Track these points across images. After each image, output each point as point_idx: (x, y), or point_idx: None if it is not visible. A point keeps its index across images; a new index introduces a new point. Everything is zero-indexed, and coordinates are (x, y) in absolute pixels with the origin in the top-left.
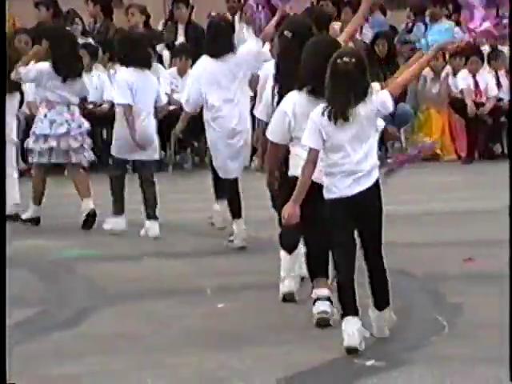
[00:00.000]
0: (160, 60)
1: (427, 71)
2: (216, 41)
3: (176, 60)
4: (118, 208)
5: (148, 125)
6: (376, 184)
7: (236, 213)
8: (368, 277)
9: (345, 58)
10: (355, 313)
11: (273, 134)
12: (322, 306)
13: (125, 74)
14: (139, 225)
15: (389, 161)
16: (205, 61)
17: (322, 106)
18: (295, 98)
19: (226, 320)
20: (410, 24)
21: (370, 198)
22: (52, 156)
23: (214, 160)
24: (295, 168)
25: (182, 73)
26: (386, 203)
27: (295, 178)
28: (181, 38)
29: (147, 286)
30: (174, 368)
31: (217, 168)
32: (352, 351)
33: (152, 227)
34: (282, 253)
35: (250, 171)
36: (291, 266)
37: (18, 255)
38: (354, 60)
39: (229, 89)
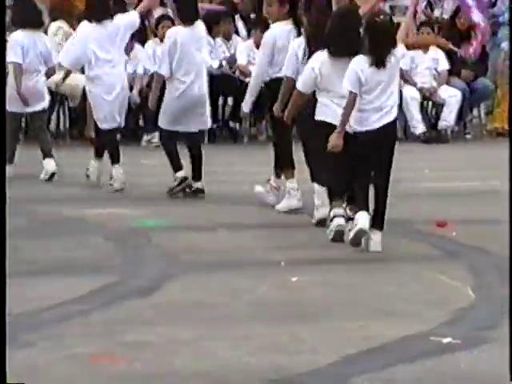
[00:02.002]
0: (236, 31)
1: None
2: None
3: (253, 32)
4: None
5: (37, 82)
6: (395, 120)
7: (115, 158)
8: (374, 196)
9: (381, 17)
10: (367, 209)
11: (301, 84)
12: (339, 221)
13: (17, 35)
14: (216, 195)
15: None
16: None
17: (361, 56)
18: (321, 58)
19: (299, 293)
20: None
21: (392, 129)
22: None
23: None
24: (322, 114)
25: (258, 45)
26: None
27: (322, 122)
28: None
29: (220, 257)
30: (244, 339)
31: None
32: (362, 232)
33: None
34: (316, 186)
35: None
36: (325, 197)
37: (95, 223)
38: (387, 18)
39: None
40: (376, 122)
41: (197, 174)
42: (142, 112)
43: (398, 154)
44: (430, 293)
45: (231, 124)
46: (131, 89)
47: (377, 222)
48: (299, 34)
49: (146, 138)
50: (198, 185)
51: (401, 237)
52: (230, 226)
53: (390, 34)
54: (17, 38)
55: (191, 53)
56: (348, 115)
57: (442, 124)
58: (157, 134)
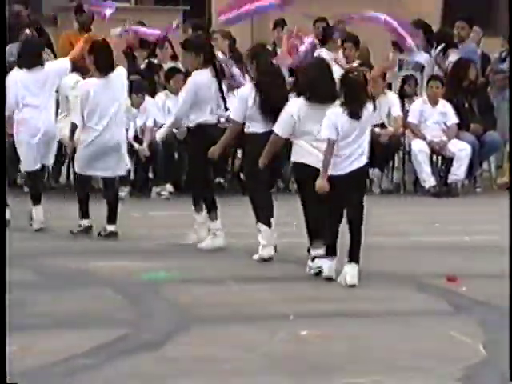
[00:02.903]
0: None
1: None
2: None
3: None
4: None
5: None
6: (366, 164)
7: (37, 199)
8: (350, 231)
9: (355, 73)
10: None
11: (280, 129)
12: (320, 263)
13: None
14: (225, 248)
15: None
16: None
17: (338, 107)
18: (298, 104)
19: (308, 347)
20: (504, 53)
21: (362, 172)
22: None
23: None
24: (298, 155)
25: None
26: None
27: (297, 163)
28: None
29: (230, 310)
30: None
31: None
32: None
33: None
34: (263, 227)
35: None
36: (271, 237)
37: (104, 276)
38: (360, 74)
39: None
40: (348, 166)
41: (112, 218)
42: (152, 164)
43: (407, 208)
44: (442, 348)
45: (242, 176)
46: (140, 142)
47: (353, 255)
48: (219, 82)
49: (155, 190)
50: (111, 228)
51: (411, 290)
52: (240, 279)
53: (363, 89)
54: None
55: (103, 103)
56: (329, 160)
57: (451, 178)
58: (167, 186)
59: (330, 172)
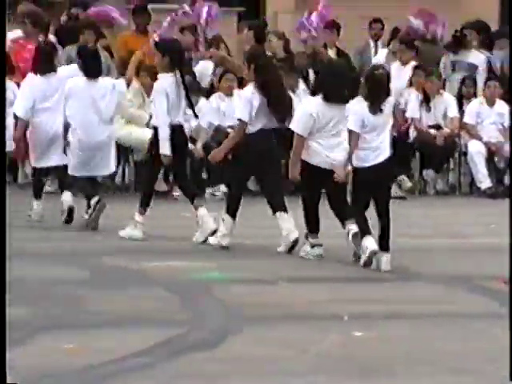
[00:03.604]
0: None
1: None
2: None
3: None
4: None
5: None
6: (389, 158)
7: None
8: (381, 222)
9: (380, 70)
10: (370, 233)
11: (301, 129)
12: (319, 250)
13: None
14: (276, 248)
15: None
16: None
17: (362, 102)
18: (315, 103)
19: (362, 349)
20: None
21: (387, 166)
22: None
23: None
24: (306, 154)
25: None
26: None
27: (305, 162)
28: None
29: (282, 310)
30: None
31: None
32: (373, 253)
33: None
34: (283, 214)
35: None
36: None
37: (156, 275)
38: (385, 71)
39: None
40: (374, 159)
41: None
42: (206, 165)
43: (462, 210)
44: (494, 350)
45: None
46: (194, 142)
47: (384, 244)
48: (183, 83)
49: (209, 190)
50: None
51: (463, 292)
52: (292, 279)
53: (385, 85)
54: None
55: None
56: (352, 152)
57: (508, 179)
58: (221, 186)
59: (357, 164)
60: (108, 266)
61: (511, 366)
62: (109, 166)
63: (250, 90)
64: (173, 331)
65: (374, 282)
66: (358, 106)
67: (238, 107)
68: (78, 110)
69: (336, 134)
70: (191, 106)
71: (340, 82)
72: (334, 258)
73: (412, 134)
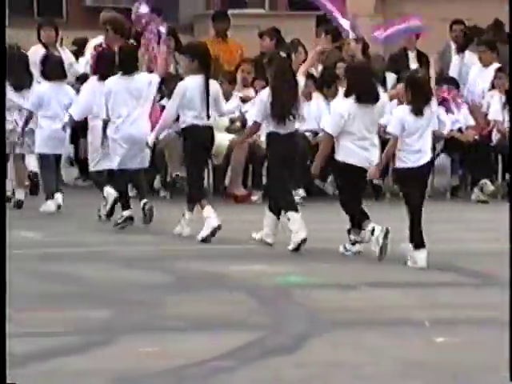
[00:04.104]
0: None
1: None
2: None
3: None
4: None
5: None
6: (431, 160)
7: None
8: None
9: (420, 74)
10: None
11: (331, 129)
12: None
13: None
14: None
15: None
16: None
17: (405, 105)
18: (347, 104)
19: (444, 355)
20: None
21: (428, 168)
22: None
23: None
24: (343, 155)
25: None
26: None
27: (342, 163)
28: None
29: (363, 315)
30: None
31: None
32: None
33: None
34: (294, 214)
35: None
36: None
37: (236, 279)
38: (426, 75)
39: None
40: (418, 160)
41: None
42: None
43: None
44: None
45: (375, 180)
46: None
47: (422, 240)
48: (207, 86)
49: None
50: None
51: None
52: (373, 284)
53: (427, 88)
54: (39, 89)
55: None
56: (390, 154)
57: None
58: (299, 191)
59: (401, 165)
60: (188, 270)
61: (511, 365)
62: (146, 160)
63: (266, 91)
64: (252, 335)
65: (455, 287)
66: (399, 109)
67: (255, 108)
68: (116, 105)
69: (369, 135)
70: (207, 107)
71: (370, 82)
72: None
73: (495, 136)
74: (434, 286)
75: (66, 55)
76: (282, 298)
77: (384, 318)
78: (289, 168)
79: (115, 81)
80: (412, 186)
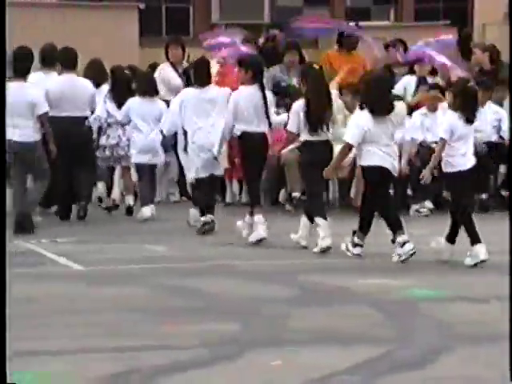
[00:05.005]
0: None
1: None
2: None
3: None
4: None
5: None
6: (474, 165)
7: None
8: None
9: (471, 83)
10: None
11: (351, 138)
12: (410, 246)
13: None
14: (491, 265)
15: None
16: None
17: (456, 113)
18: (365, 116)
19: None
20: None
21: (474, 172)
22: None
23: None
24: (370, 160)
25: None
26: None
27: (371, 167)
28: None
29: (493, 329)
30: None
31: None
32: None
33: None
34: (321, 220)
35: None
36: (327, 230)
37: (360, 292)
38: (475, 86)
39: None
40: (466, 163)
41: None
42: (410, 181)
43: None
44: None
45: (503, 192)
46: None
47: (478, 236)
48: (264, 96)
49: (414, 207)
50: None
51: None
52: (503, 298)
53: (476, 98)
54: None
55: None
56: (439, 157)
57: None
58: (426, 203)
59: (451, 170)
60: (312, 283)
61: (511, 366)
62: (218, 168)
63: (299, 102)
64: (380, 349)
65: None
66: (450, 116)
67: (290, 120)
68: (192, 116)
69: (391, 143)
70: (267, 116)
71: (381, 94)
72: None
73: None
74: None
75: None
76: (409, 311)
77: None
78: (321, 174)
79: (190, 92)
80: (463, 188)
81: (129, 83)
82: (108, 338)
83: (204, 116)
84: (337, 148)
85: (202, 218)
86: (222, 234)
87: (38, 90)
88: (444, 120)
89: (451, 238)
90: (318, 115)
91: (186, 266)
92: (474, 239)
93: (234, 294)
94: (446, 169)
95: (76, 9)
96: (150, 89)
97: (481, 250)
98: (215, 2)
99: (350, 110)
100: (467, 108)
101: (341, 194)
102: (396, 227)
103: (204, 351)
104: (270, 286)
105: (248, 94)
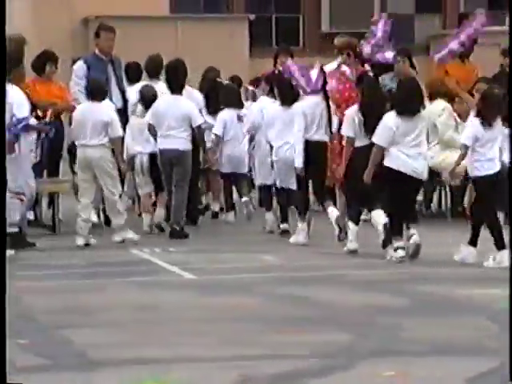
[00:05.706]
0: None
1: None
2: None
3: None
4: None
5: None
6: (499, 170)
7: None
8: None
9: (496, 89)
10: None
11: (383, 141)
12: (402, 252)
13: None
14: None
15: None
16: None
17: (477, 119)
18: (393, 118)
19: None
20: None
21: (498, 177)
22: None
23: None
24: (393, 162)
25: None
26: None
27: (389, 168)
28: None
29: None
30: None
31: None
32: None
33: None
34: (352, 225)
35: None
36: (356, 233)
37: (475, 303)
38: (500, 91)
39: None
40: (492, 167)
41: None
42: None
43: None
44: None
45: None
46: None
47: (504, 242)
48: (328, 105)
49: None
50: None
51: None
52: None
53: (500, 104)
54: (222, 116)
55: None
56: (460, 161)
57: None
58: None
59: (478, 174)
60: (425, 293)
61: (511, 365)
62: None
63: (354, 108)
64: (494, 362)
65: None
66: (473, 122)
67: (345, 127)
68: (276, 132)
69: (416, 145)
70: (330, 123)
71: (410, 96)
72: None
73: None
74: None
75: None
76: None
77: None
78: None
79: (276, 109)
80: (490, 192)
81: (217, 93)
82: (222, 346)
83: (285, 134)
84: (436, 159)
85: (282, 226)
86: (322, 241)
87: (190, 103)
88: (467, 126)
89: (473, 242)
90: (373, 122)
91: (296, 276)
92: (500, 244)
93: (348, 303)
94: (474, 173)
95: (187, 21)
96: (236, 101)
97: (505, 256)
98: (325, 11)
99: (461, 117)
100: (488, 113)
101: (454, 202)
102: (395, 232)
103: (318, 361)
104: (383, 295)
105: (312, 103)
